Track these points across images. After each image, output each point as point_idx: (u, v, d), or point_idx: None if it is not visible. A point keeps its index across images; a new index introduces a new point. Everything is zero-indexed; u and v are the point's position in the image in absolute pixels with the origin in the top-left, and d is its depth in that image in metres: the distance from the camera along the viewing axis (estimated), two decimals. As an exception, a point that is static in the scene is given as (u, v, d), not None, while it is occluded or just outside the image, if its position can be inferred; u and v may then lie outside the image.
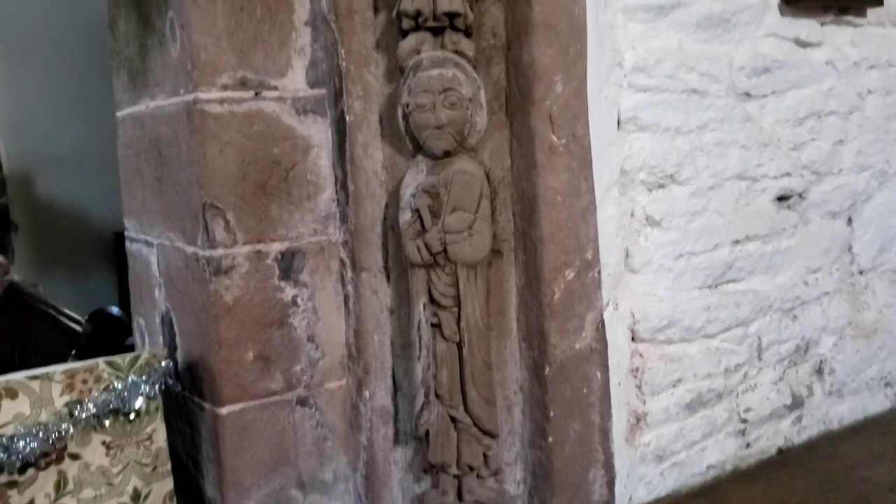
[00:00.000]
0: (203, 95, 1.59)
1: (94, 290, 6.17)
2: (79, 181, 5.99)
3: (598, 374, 1.78)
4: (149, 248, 1.89)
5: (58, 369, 1.53)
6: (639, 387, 1.91)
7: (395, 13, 1.67)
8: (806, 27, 2.18)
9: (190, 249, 1.68)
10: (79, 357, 3.33)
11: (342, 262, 1.75)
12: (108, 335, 3.33)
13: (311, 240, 1.73)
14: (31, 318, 4.66)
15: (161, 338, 1.89)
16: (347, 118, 1.72)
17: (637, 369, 1.91)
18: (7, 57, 5.93)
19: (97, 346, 3.33)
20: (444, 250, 1.65)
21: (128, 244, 2.00)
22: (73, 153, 5.95)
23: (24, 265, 5.94)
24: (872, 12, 2.33)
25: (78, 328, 3.82)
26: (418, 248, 1.65)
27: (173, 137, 1.70)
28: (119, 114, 1.97)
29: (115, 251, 6.03)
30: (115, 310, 3.51)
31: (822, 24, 2.22)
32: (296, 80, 1.70)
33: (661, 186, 1.94)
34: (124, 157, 1.98)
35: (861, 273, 2.39)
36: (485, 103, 1.69)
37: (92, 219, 6.17)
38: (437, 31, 1.67)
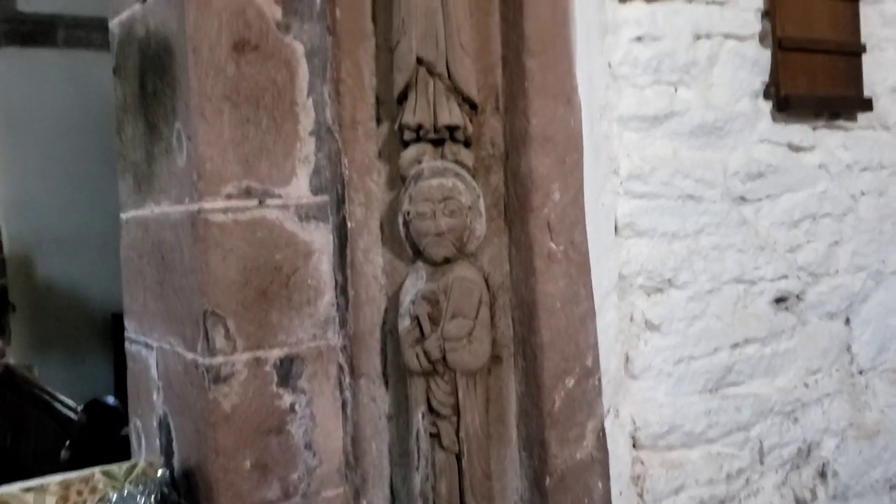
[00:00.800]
0: (208, 205, 1.61)
1: (89, 371, 6.13)
2: (78, 262, 6.03)
3: (600, 484, 1.75)
4: (148, 351, 1.89)
5: (52, 480, 1.51)
6: (640, 495, 1.89)
7: (397, 125, 1.71)
8: (798, 132, 2.23)
9: (189, 356, 1.68)
10: (73, 449, 3.30)
11: (340, 368, 1.75)
12: (104, 426, 3.30)
13: (310, 345, 1.73)
14: (26, 402, 4.62)
15: (158, 441, 1.87)
16: (349, 224, 1.74)
17: (638, 477, 1.89)
18: (12, 138, 6.03)
19: (92, 436, 3.29)
20: (444, 358, 1.65)
21: (127, 345, 2.00)
22: (73, 235, 6.00)
23: (21, 346, 5.92)
24: (863, 116, 2.39)
25: (72, 415, 3.78)
26: (417, 355, 1.65)
27: (177, 244, 1.72)
28: (123, 216, 1.99)
29: (112, 333, 6.03)
30: (110, 399, 3.49)
31: (814, 128, 2.28)
32: (299, 188, 1.73)
33: (660, 291, 1.95)
34: (127, 258, 2.00)
35: (861, 373, 2.38)
36: (484, 211, 1.72)
37: (90, 300, 6.18)
38: (437, 143, 1.71)
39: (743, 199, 2.12)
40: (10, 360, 5.15)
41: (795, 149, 2.22)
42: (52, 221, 6.01)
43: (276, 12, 1.71)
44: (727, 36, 2.09)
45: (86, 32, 6.31)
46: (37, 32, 6.16)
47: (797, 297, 2.23)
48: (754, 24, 2.14)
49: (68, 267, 6.10)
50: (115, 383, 6.01)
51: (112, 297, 6.04)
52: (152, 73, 1.77)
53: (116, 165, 2.02)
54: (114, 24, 1.96)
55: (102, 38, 6.73)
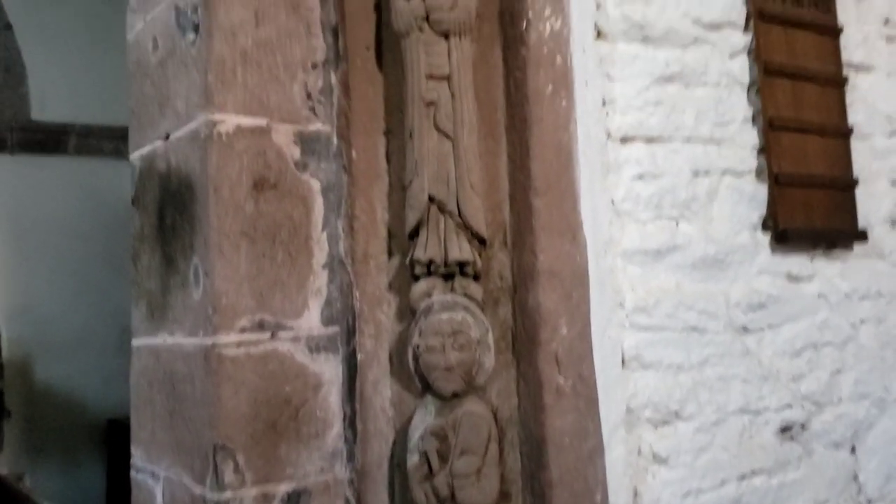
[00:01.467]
0: (222, 339, 1.64)
1: (83, 478, 6.01)
2: (77, 366, 6.00)
3: None
4: (154, 481, 1.88)
5: None
6: None
7: (408, 260, 1.76)
8: (797, 263, 2.29)
9: (198, 490, 1.67)
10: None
11: (347, 501, 1.74)
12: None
13: (318, 479, 1.73)
14: (15, 514, 4.52)
15: (159, 574, 1.83)
16: (359, 356, 1.77)
17: None
18: (18, 243, 6.10)
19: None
20: (452, 495, 1.64)
21: (133, 472, 1.99)
22: (73, 339, 5.99)
23: (14, 452, 5.82)
24: (859, 246, 2.45)
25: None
26: (426, 493, 1.65)
27: (189, 375, 1.74)
28: (135, 343, 2.02)
29: (107, 438, 5.95)
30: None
31: (812, 258, 2.34)
32: (311, 320, 1.77)
33: (666, 423, 1.96)
34: (137, 385, 2.01)
35: (870, 503, 2.36)
36: (492, 344, 1.75)
37: (87, 405, 6.12)
38: (447, 277, 1.76)
39: (745, 329, 2.15)
40: (2, 468, 5.07)
41: (795, 279, 2.27)
42: (53, 325, 6.01)
43: (295, 152, 1.79)
44: (725, 172, 2.17)
45: (97, 140, 6.48)
46: (49, 140, 6.32)
47: (802, 426, 2.24)
48: (751, 161, 2.22)
49: (67, 371, 6.06)
50: (107, 491, 5.89)
51: (109, 403, 5.99)
52: (172, 208, 1.83)
53: (130, 291, 2.06)
54: (135, 156, 2.03)
55: (112, 146, 6.87)
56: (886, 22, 2.70)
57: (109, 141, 6.56)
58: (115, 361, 5.48)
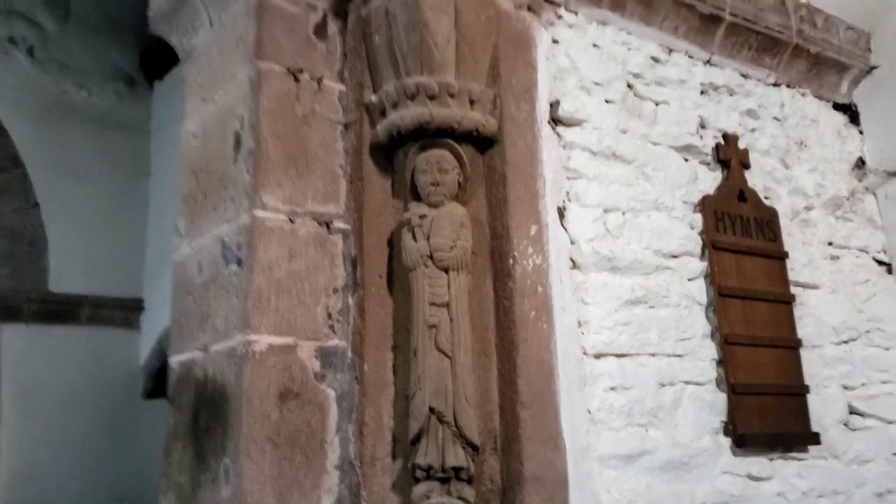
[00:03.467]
0: (246, 535, 1.88)
1: None
2: (70, 536, 6.00)
3: None
4: None
5: None
6: None
7: (410, 464, 2.02)
8: (756, 464, 2.54)
9: None
10: None
11: None
12: None
13: None
14: None
15: None
16: (363, 551, 1.99)
17: None
18: (23, 410, 6.27)
19: None
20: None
21: None
22: (70, 507, 6.03)
23: None
24: (814, 448, 2.71)
25: None
26: None
27: (212, 566, 1.95)
28: (162, 533, 2.23)
29: None
30: None
31: (771, 459, 2.59)
32: (322, 516, 2.01)
33: None
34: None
35: None
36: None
37: (77, 577, 6.06)
38: (444, 480, 2.01)
39: (712, 514, 2.38)
40: None
41: (755, 479, 2.52)
42: (51, 493, 6.07)
43: (316, 365, 2.09)
44: (688, 382, 2.47)
45: (109, 311, 6.81)
46: (63, 311, 6.64)
47: None
48: (710, 372, 2.53)
49: (63, 539, 6.05)
50: None
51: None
52: (206, 412, 2.11)
53: (160, 482, 2.29)
54: (174, 360, 2.33)
55: (122, 317, 7.17)
56: (830, 244, 3.10)
57: (120, 311, 6.90)
58: (109, 531, 5.52)
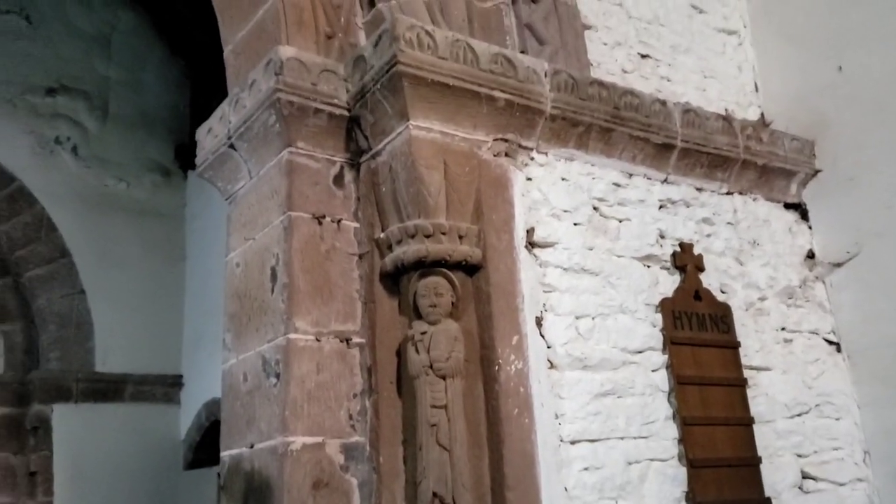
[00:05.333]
0: None
1: None
2: None
3: None
4: None
5: None
6: None
7: (418, 538, 2.51)
8: (715, 527, 2.99)
9: None
10: None
11: None
12: None
13: None
14: None
15: None
16: None
17: None
18: (72, 482, 6.80)
19: None
20: None
21: None
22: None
23: None
24: (768, 511, 3.16)
25: None
26: None
27: None
28: None
29: None
30: None
31: (729, 522, 3.04)
32: (349, 583, 2.49)
33: None
34: None
35: None
36: None
37: None
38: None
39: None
40: None
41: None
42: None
43: (341, 458, 2.60)
44: (652, 459, 2.94)
45: (150, 388, 7.39)
46: (109, 389, 7.22)
47: None
48: (672, 449, 3.00)
49: None
50: None
51: None
52: (254, 499, 2.62)
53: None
54: (225, 454, 2.85)
55: (163, 392, 7.77)
56: (783, 329, 3.58)
57: (161, 387, 7.47)
58: None
